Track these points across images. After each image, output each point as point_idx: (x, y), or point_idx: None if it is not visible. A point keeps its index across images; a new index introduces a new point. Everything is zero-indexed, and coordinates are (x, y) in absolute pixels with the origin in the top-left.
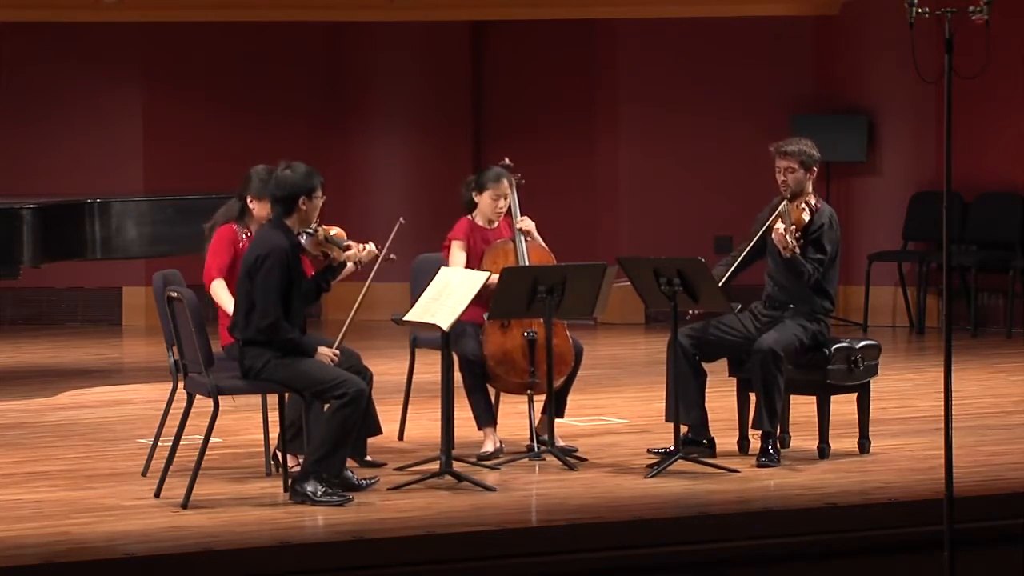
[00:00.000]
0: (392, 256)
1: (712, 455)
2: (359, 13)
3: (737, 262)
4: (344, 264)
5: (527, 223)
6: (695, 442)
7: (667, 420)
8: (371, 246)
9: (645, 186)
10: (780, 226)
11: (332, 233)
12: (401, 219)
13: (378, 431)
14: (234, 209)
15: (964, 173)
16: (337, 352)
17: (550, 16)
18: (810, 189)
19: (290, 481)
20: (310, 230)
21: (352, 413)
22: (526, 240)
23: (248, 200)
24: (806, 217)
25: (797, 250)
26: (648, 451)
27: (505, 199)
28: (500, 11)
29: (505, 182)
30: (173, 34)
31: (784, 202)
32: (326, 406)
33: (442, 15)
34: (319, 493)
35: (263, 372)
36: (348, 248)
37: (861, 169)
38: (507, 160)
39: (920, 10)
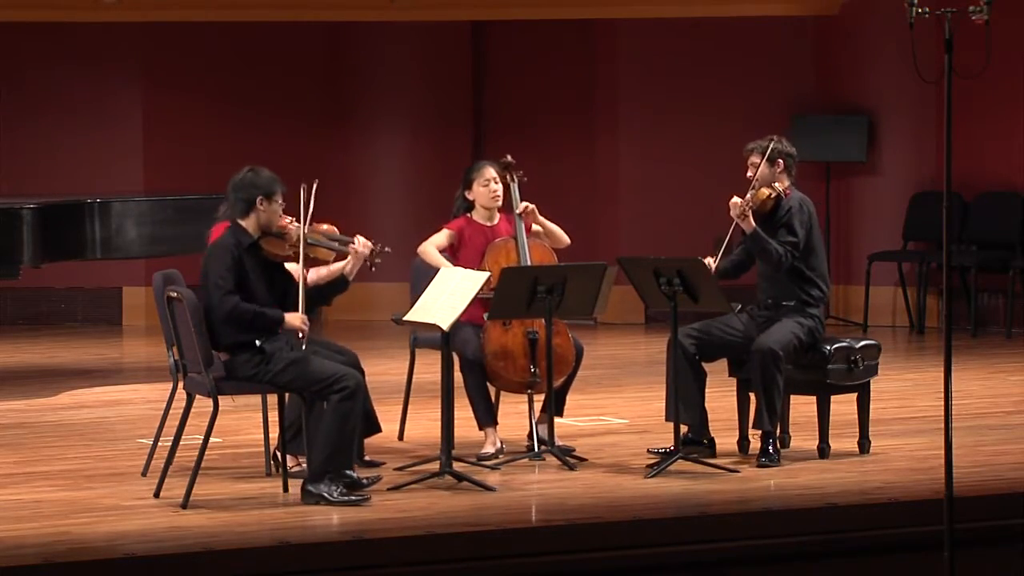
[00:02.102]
0: (387, 249)
1: (712, 455)
2: (359, 13)
3: (719, 253)
4: (344, 282)
5: (524, 204)
6: (695, 442)
7: (667, 420)
8: (360, 241)
9: (645, 186)
10: (736, 200)
11: (323, 228)
12: (388, 248)
13: (377, 429)
14: (223, 212)
15: (964, 173)
16: (305, 318)
17: (550, 16)
18: (785, 182)
19: (301, 484)
20: (277, 232)
21: (354, 406)
22: (530, 234)
23: None
24: (765, 192)
25: (750, 217)
26: (648, 451)
27: (496, 182)
28: (500, 11)
29: (489, 168)
30: (173, 34)
31: (751, 191)
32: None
33: (442, 15)
34: (335, 493)
35: (256, 379)
36: (337, 253)
37: (861, 169)
38: (508, 157)
39: (920, 10)
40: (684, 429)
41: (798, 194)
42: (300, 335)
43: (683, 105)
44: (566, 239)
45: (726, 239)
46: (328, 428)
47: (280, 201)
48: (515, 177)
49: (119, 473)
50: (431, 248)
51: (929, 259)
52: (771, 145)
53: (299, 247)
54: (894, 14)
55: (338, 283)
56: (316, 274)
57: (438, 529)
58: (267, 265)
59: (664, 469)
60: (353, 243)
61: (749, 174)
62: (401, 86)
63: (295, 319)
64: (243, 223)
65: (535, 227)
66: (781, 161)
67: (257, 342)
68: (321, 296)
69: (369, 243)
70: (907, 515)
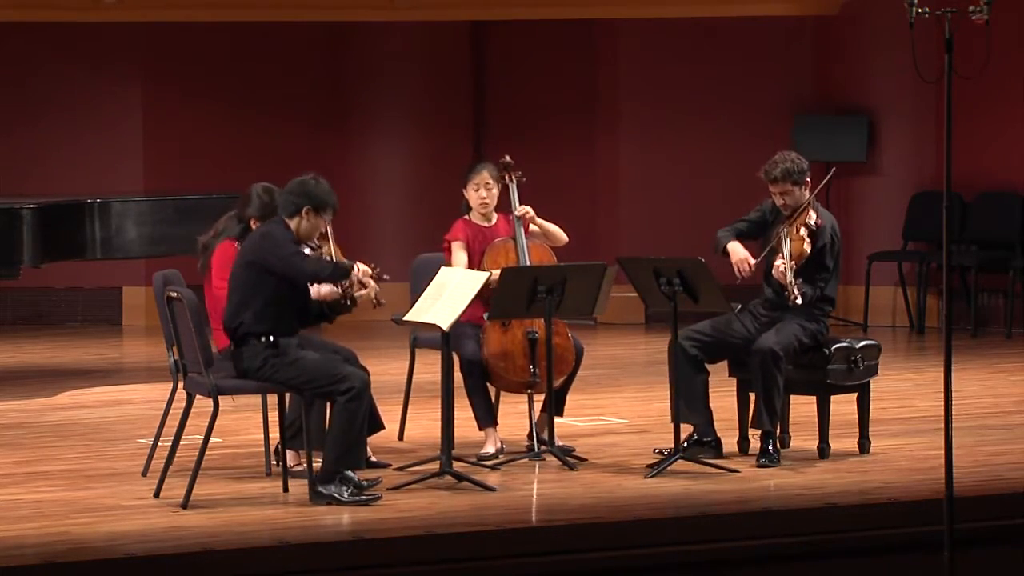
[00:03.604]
0: (386, 276)
1: (719, 455)
2: (359, 13)
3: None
4: (347, 305)
5: (522, 208)
6: (701, 442)
7: (672, 421)
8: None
9: (645, 186)
10: (780, 263)
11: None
12: (386, 276)
13: (381, 427)
14: (234, 228)
15: (964, 173)
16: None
17: (550, 16)
18: (807, 198)
19: (310, 484)
20: (313, 244)
21: (360, 406)
22: (527, 236)
23: (251, 222)
24: (807, 249)
25: (796, 292)
26: (654, 451)
27: (487, 188)
28: (500, 11)
29: (485, 172)
30: (173, 34)
31: (782, 228)
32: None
33: (442, 15)
34: (345, 494)
35: (261, 371)
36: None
37: (861, 169)
38: (507, 158)
39: (920, 10)
40: (690, 430)
41: (828, 220)
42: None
43: (683, 105)
44: (564, 237)
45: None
46: (336, 429)
47: (327, 217)
48: (514, 178)
49: (119, 473)
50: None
51: (929, 259)
52: (801, 167)
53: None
54: (894, 14)
55: (340, 304)
56: (317, 291)
57: (438, 529)
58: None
59: (664, 469)
60: (353, 268)
61: (780, 202)
62: (401, 86)
63: (363, 272)
64: (290, 223)
65: (533, 228)
66: (808, 179)
67: (271, 336)
68: (322, 313)
69: (368, 269)
70: (907, 515)
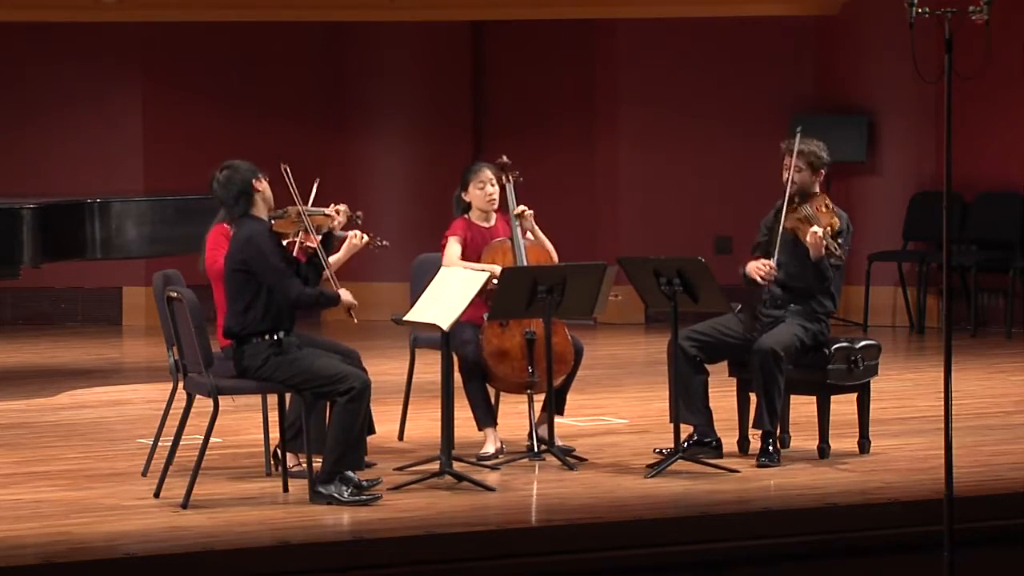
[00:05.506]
0: (384, 243)
1: (719, 455)
2: (359, 13)
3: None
4: (329, 235)
5: (522, 209)
6: (701, 443)
7: (671, 422)
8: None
9: (645, 186)
10: (817, 230)
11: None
12: (385, 242)
13: (371, 431)
14: (220, 214)
15: (964, 173)
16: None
17: (550, 16)
18: (817, 190)
19: (310, 485)
20: (278, 213)
21: (361, 406)
22: (524, 238)
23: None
24: (837, 222)
25: (839, 253)
26: (655, 451)
27: (492, 185)
28: (500, 11)
29: (486, 171)
30: (173, 34)
31: (805, 206)
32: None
33: (442, 15)
34: (345, 494)
35: (262, 371)
36: (326, 217)
37: (861, 169)
38: (504, 158)
39: (920, 10)
40: (690, 430)
41: (843, 214)
42: (352, 311)
43: (683, 105)
44: (554, 256)
45: (775, 252)
46: (336, 429)
47: (265, 178)
48: (511, 178)
49: (119, 473)
50: (456, 262)
51: (929, 259)
52: (820, 154)
53: (300, 222)
54: (894, 14)
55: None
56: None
57: (438, 529)
58: (281, 247)
59: (664, 469)
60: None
61: (787, 176)
62: (401, 86)
63: (348, 295)
64: (255, 212)
65: (528, 236)
66: (823, 171)
67: (276, 335)
68: (306, 278)
69: (367, 238)
70: (907, 515)
